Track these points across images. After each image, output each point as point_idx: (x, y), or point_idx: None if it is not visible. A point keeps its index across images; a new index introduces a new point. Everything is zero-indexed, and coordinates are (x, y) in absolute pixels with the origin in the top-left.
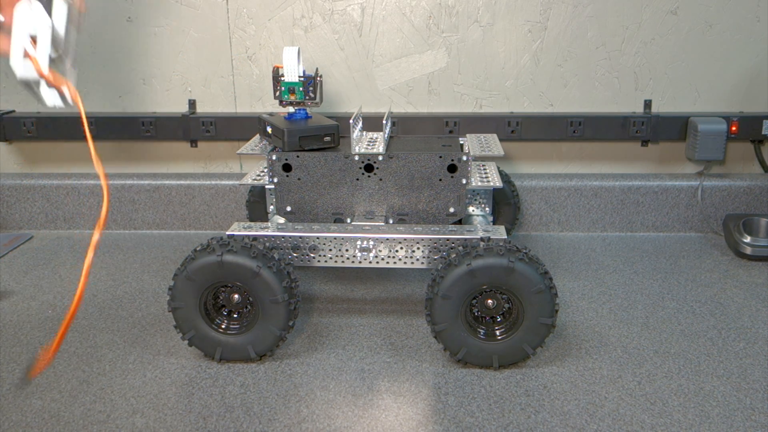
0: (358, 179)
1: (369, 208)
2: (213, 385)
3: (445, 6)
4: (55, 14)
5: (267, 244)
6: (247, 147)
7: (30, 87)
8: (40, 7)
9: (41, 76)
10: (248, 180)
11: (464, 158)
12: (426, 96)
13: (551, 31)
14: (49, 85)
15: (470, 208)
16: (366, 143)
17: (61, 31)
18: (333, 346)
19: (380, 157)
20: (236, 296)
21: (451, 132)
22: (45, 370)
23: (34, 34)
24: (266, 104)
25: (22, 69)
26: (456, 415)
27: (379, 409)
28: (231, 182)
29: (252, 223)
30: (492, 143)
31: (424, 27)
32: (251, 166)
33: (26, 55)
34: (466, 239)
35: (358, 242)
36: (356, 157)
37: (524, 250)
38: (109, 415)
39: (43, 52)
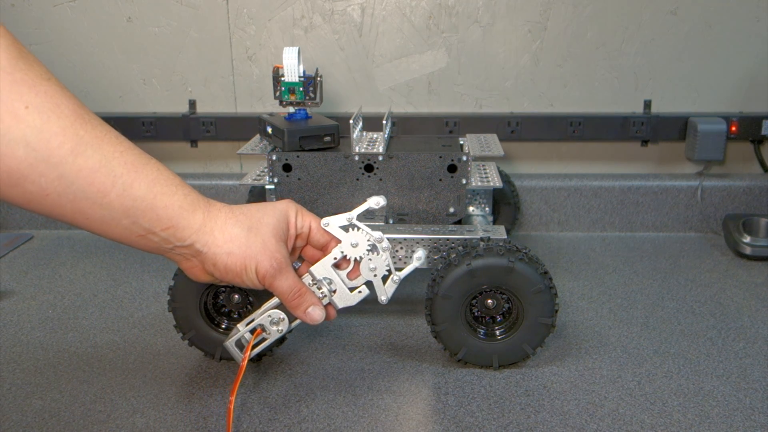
0: (358, 179)
1: (369, 207)
2: (213, 385)
3: (445, 6)
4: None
5: None
6: (247, 147)
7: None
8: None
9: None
10: (248, 180)
11: (464, 158)
12: (426, 96)
13: (551, 31)
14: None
15: (470, 208)
16: (366, 143)
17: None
18: (333, 346)
19: (380, 157)
20: (236, 296)
21: (451, 132)
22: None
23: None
24: (266, 104)
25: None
26: (456, 415)
27: (379, 409)
28: (231, 182)
29: None
30: (492, 143)
31: (424, 27)
32: (251, 166)
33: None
34: (466, 239)
35: None
36: (356, 157)
37: (524, 250)
38: (110, 415)
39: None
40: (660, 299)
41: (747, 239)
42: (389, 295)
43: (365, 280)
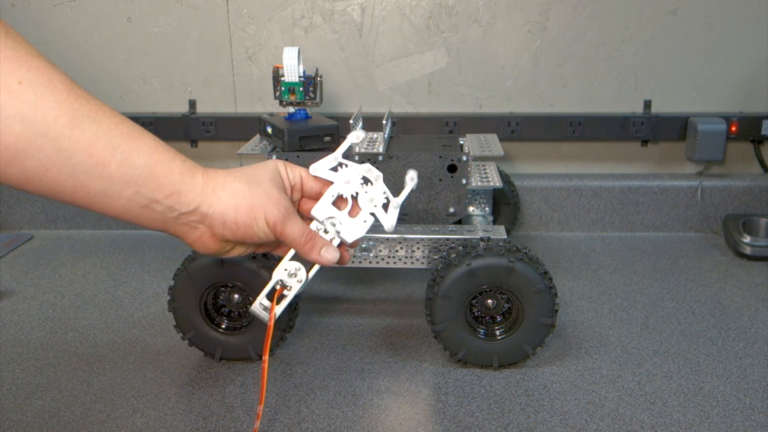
0: None
1: None
2: (213, 385)
3: (445, 6)
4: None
5: None
6: (247, 147)
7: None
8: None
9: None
10: None
11: (464, 158)
12: (426, 96)
13: (551, 31)
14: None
15: (470, 208)
16: (366, 143)
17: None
18: (333, 346)
19: (380, 157)
20: (236, 296)
21: (451, 132)
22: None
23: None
24: (266, 104)
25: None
26: (456, 415)
27: (379, 409)
28: None
29: None
30: (492, 143)
31: (424, 27)
32: None
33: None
34: (466, 239)
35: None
36: (356, 157)
37: (524, 250)
38: (110, 415)
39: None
40: (660, 299)
41: (747, 239)
42: (393, 221)
43: (367, 214)
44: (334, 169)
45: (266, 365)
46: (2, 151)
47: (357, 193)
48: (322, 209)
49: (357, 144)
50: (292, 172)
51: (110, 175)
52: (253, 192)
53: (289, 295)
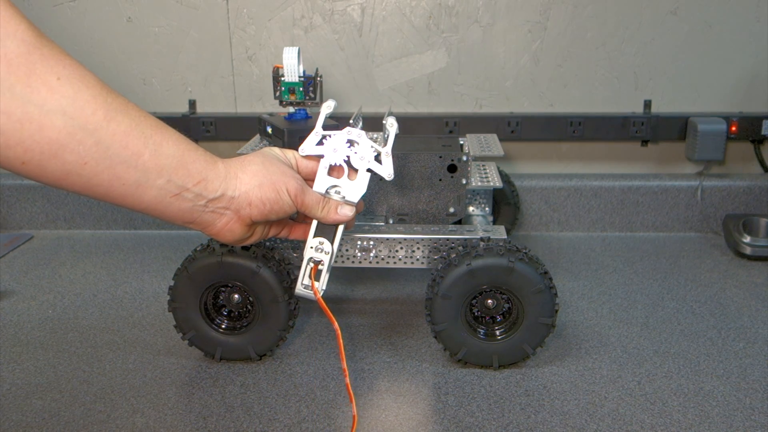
0: None
1: (369, 208)
2: (213, 385)
3: (445, 6)
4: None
5: (267, 244)
6: (247, 147)
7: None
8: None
9: (317, 298)
10: None
11: (464, 158)
12: (426, 96)
13: (551, 31)
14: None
15: (470, 208)
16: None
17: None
18: (333, 346)
19: None
20: (236, 296)
21: (451, 132)
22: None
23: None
24: (266, 104)
25: (302, 290)
26: (456, 415)
27: (379, 409)
28: None
29: None
30: (492, 143)
31: (424, 27)
32: None
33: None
34: (465, 239)
35: (358, 242)
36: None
37: (524, 250)
38: (110, 415)
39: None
40: (660, 299)
41: (747, 239)
42: (390, 169)
43: (363, 171)
44: (320, 143)
45: (339, 332)
46: (44, 145)
47: (348, 157)
48: (320, 182)
49: (330, 112)
50: (287, 154)
51: (144, 165)
52: (270, 169)
53: (324, 267)
